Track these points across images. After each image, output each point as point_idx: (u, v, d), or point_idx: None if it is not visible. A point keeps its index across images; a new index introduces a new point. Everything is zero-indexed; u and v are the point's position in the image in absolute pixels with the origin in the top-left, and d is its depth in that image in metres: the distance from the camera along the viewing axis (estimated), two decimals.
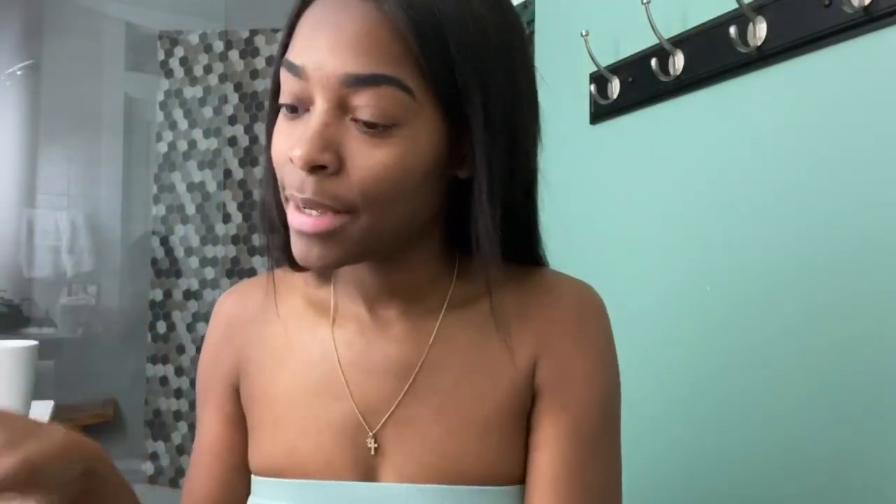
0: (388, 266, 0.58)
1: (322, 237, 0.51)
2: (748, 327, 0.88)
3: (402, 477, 0.57)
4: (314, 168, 0.49)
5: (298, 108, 0.51)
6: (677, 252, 1.01)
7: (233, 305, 0.67)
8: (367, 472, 0.58)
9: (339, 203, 0.50)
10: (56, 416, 1.43)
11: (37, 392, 1.19)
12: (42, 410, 1.34)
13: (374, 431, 0.58)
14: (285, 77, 0.51)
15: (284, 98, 0.52)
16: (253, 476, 0.62)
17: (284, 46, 0.54)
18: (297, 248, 0.53)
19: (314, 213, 0.50)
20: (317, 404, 0.59)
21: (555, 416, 0.58)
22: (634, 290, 1.07)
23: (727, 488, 0.90)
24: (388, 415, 0.58)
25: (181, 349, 3.11)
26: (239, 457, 0.64)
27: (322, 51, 0.49)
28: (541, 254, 0.63)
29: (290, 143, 0.50)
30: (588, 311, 0.61)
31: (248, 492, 0.64)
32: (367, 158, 0.49)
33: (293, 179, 0.51)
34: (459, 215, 0.56)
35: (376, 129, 0.49)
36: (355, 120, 0.49)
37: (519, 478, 0.58)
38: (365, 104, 0.48)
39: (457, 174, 0.55)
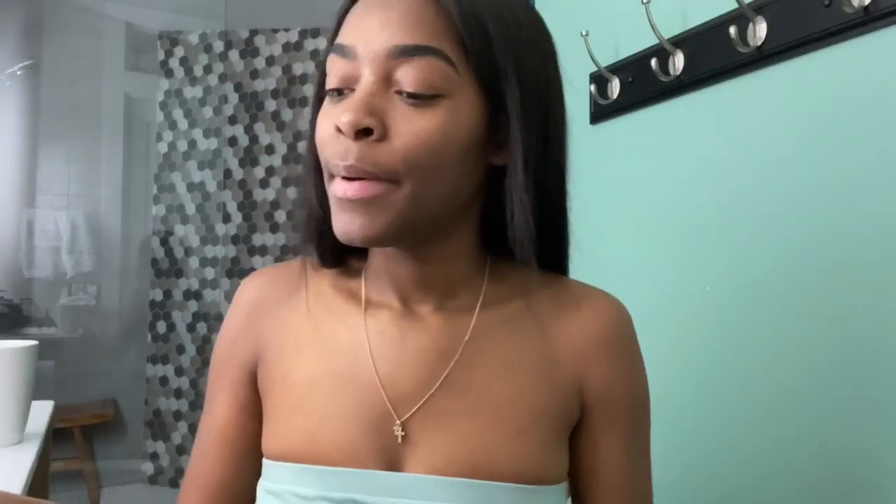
0: (424, 259, 0.59)
1: (365, 204, 0.52)
2: (748, 327, 0.88)
3: (430, 468, 0.56)
4: (359, 134, 0.51)
5: (344, 91, 0.54)
6: (677, 252, 1.01)
7: (257, 289, 0.66)
8: (392, 461, 0.57)
9: (382, 170, 0.51)
10: (56, 415, 1.43)
11: (37, 392, 1.19)
12: (42, 410, 1.34)
13: (401, 420, 0.57)
14: (333, 61, 0.54)
15: (331, 82, 0.54)
16: (266, 461, 0.61)
17: (332, 40, 0.57)
18: (340, 221, 0.53)
19: (357, 183, 0.52)
20: (342, 391, 0.58)
21: (611, 434, 0.61)
22: (634, 289, 1.07)
23: (727, 487, 0.90)
24: (418, 405, 0.58)
25: (181, 349, 3.11)
26: (250, 443, 0.63)
27: (372, 29, 0.52)
28: (567, 259, 0.65)
29: (334, 120, 0.53)
30: (627, 328, 0.64)
31: (255, 478, 0.63)
32: (411, 125, 0.51)
33: (337, 150, 0.52)
34: (493, 214, 0.59)
35: (420, 98, 0.51)
36: (399, 92, 0.52)
37: (552, 479, 0.59)
38: (410, 74, 0.51)
39: (493, 162, 0.57)
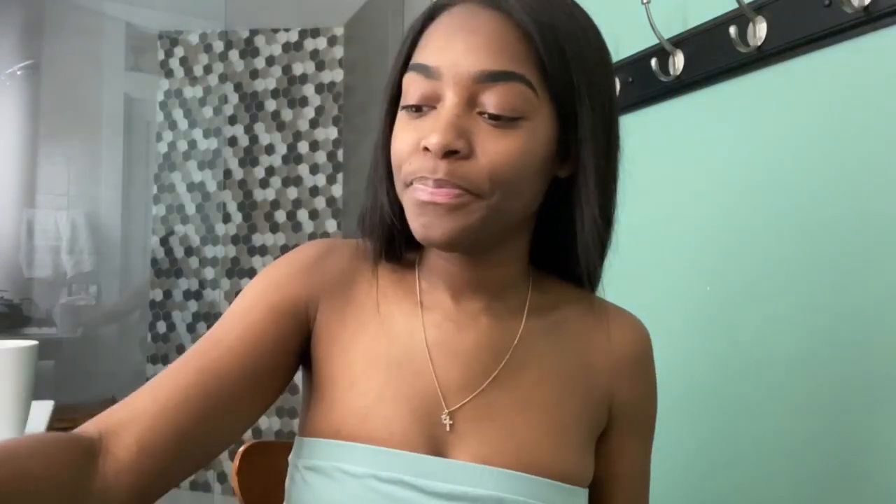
0: (480, 262, 0.62)
1: (450, 208, 0.54)
2: (748, 327, 0.88)
3: (476, 457, 0.58)
4: (447, 153, 0.53)
5: (423, 108, 0.56)
6: (677, 252, 1.01)
7: (325, 248, 0.66)
8: (437, 448, 0.59)
9: (469, 184, 0.54)
10: (56, 415, 1.43)
11: (37, 392, 1.19)
12: (42, 410, 1.34)
13: (450, 409, 0.59)
14: (413, 79, 0.57)
15: (411, 99, 0.57)
16: (312, 439, 0.60)
17: (406, 57, 0.59)
18: (420, 222, 0.56)
19: (442, 194, 0.54)
20: (397, 375, 0.60)
21: (634, 444, 0.67)
22: (633, 289, 1.07)
23: (725, 487, 0.90)
24: (469, 397, 0.60)
25: (181, 349, 3.11)
26: (269, 359, 0.59)
27: (457, 52, 0.55)
28: (601, 270, 0.66)
29: (417, 136, 0.55)
30: (650, 348, 0.69)
31: (239, 415, 0.59)
32: (495, 145, 0.54)
33: (424, 165, 0.55)
34: (542, 223, 0.63)
35: (502, 121, 0.54)
36: (482, 113, 0.54)
37: (584, 481, 0.62)
38: (494, 98, 0.54)
39: (558, 174, 0.61)
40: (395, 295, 0.64)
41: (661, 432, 0.98)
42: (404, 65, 0.59)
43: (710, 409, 0.94)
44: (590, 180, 0.59)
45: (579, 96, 0.57)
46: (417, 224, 0.56)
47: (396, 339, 0.62)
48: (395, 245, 0.64)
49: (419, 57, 0.57)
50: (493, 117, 0.54)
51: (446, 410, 0.59)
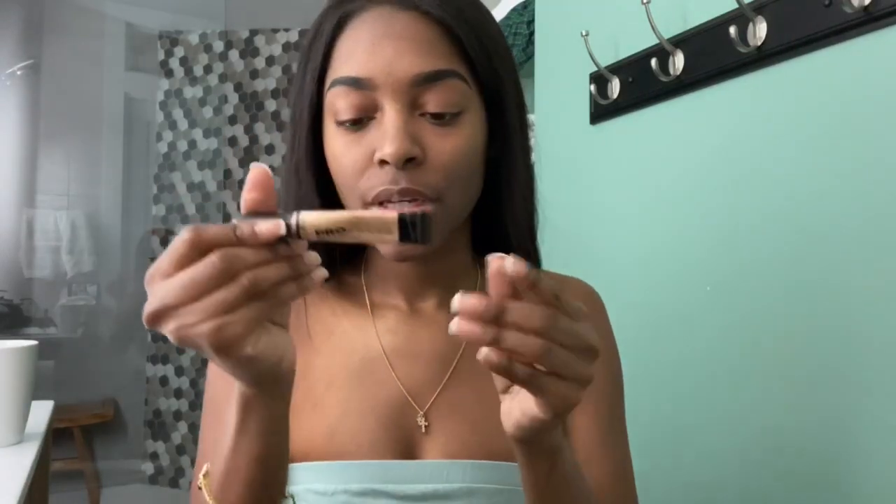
0: (430, 257, 0.61)
1: None
2: (748, 327, 0.88)
3: (446, 454, 0.59)
4: (406, 161, 0.53)
5: (362, 119, 0.56)
6: (677, 252, 1.01)
7: None
8: (410, 451, 0.59)
9: (429, 189, 0.55)
10: (56, 415, 1.43)
11: (37, 392, 1.19)
12: (42, 410, 1.35)
13: (424, 410, 0.60)
14: (342, 93, 0.55)
15: (345, 114, 0.56)
16: (289, 465, 0.60)
17: (321, 71, 0.57)
18: (393, 242, 0.55)
19: (408, 203, 0.54)
20: (359, 387, 0.60)
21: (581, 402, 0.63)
22: (634, 289, 1.07)
23: (725, 487, 0.90)
24: (434, 396, 0.61)
25: (181, 349, 3.11)
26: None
27: (387, 59, 0.54)
28: (537, 241, 0.69)
29: (364, 150, 0.55)
30: (594, 303, 0.69)
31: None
32: (444, 145, 0.55)
33: (382, 178, 0.54)
34: (482, 210, 0.64)
35: (445, 119, 0.55)
36: (424, 115, 0.55)
37: None
38: (435, 98, 0.55)
39: (488, 156, 0.61)
40: (345, 310, 0.64)
41: (659, 431, 0.98)
42: (320, 79, 0.58)
43: (709, 408, 0.94)
44: (518, 158, 0.62)
45: (502, 81, 0.59)
46: (389, 245, 0.56)
47: (353, 352, 0.62)
48: (331, 263, 0.63)
49: (343, 69, 0.56)
50: (436, 117, 0.55)
51: (421, 413, 0.60)
